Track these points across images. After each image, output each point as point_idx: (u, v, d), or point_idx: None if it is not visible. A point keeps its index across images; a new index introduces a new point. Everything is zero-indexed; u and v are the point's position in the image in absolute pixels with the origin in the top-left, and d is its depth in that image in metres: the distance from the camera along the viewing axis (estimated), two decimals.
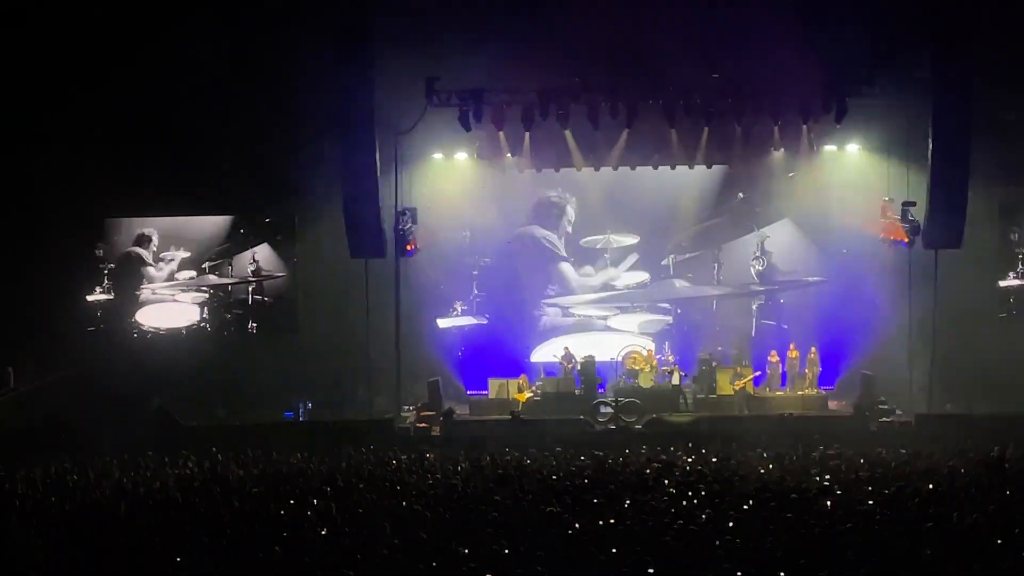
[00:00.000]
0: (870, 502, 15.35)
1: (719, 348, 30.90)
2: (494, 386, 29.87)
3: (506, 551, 12.89)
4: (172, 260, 31.33)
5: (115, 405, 26.82)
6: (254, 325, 31.54)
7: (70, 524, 14.99)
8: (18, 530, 14.56)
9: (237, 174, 30.23)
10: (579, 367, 29.97)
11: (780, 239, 31.94)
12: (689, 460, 20.49)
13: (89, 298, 31.11)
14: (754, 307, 32.16)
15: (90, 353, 30.25)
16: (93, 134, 29.21)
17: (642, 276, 32.40)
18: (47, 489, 18.04)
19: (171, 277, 31.30)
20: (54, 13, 28.44)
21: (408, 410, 29.45)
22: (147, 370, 29.41)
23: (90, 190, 29.73)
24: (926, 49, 27.34)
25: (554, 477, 18.21)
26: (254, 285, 31.43)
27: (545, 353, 31.74)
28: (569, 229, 32.38)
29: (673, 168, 31.56)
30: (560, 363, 30.37)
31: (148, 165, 29.45)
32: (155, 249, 31.33)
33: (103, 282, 31.21)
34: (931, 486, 16.33)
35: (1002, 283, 30.36)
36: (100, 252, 31.18)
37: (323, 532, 14.07)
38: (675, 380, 29.66)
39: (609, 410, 28.48)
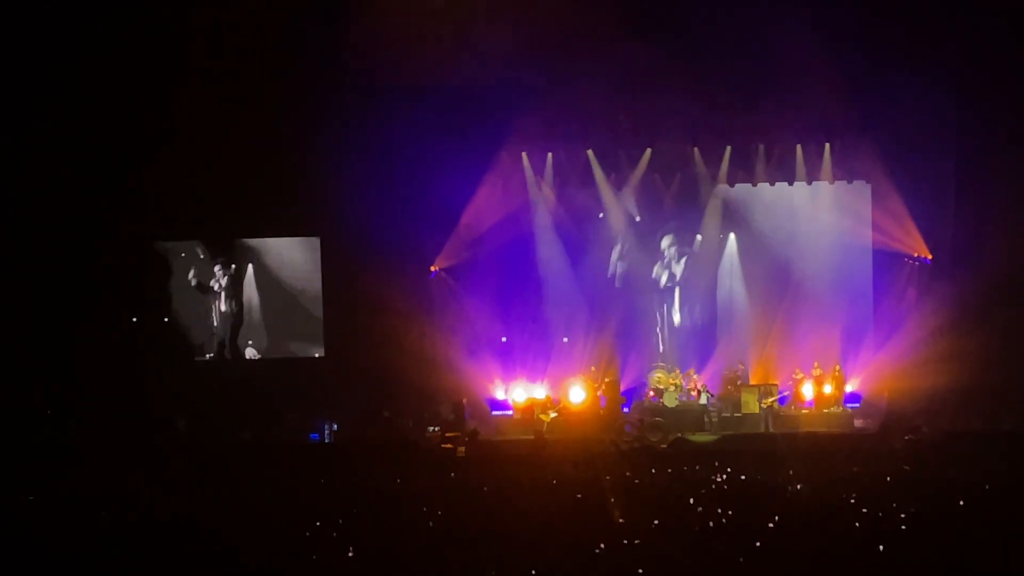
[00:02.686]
0: (902, 515, 15.31)
1: (742, 366, 30.83)
2: (518, 406, 29.86)
3: (532, 571, 12.89)
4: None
5: (141, 426, 26.99)
6: (280, 346, 31.68)
7: (94, 544, 15.03)
8: (39, 549, 14.65)
9: (258, 195, 30.36)
10: (603, 387, 29.95)
11: (804, 257, 31.83)
12: (715, 479, 20.44)
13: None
14: (778, 325, 32.02)
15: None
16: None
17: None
18: (70, 508, 18.12)
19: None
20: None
21: (433, 431, 29.46)
22: (177, 392, 29.57)
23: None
24: (949, 66, 27.47)
25: (579, 497, 18.20)
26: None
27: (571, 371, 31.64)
28: None
29: (696, 187, 31.69)
30: (587, 382, 30.32)
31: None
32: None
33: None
34: (960, 503, 16.28)
35: None
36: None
37: (350, 554, 14.09)
38: (701, 399, 29.65)
39: (633, 430, 28.42)
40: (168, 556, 14.25)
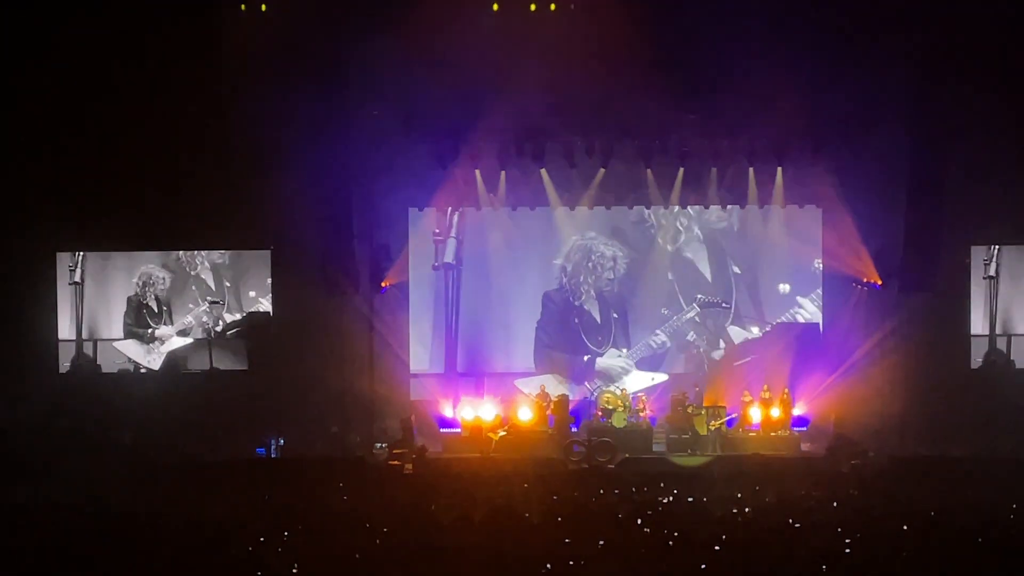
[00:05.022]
0: (847, 540, 15.35)
1: (697, 389, 30.80)
2: (467, 424, 29.71)
3: None
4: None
5: (84, 441, 26.73)
6: (228, 360, 31.43)
7: (34, 559, 14.87)
8: None
9: (208, 209, 30.15)
10: (552, 406, 29.90)
11: (751, 281, 31.94)
12: (662, 500, 20.46)
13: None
14: (726, 347, 32.10)
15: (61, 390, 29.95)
16: (64, 163, 29.30)
17: None
18: (11, 523, 17.94)
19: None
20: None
21: (380, 447, 29.34)
22: (118, 406, 29.24)
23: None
24: (902, 92, 27.80)
25: (526, 515, 18.15)
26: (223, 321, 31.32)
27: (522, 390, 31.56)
28: None
29: (648, 208, 31.73)
30: (535, 401, 30.27)
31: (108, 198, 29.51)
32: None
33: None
34: (905, 527, 16.35)
35: (974, 329, 30.36)
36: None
37: (294, 570, 13.99)
38: (645, 423, 29.64)
39: (582, 449, 28.41)
40: (109, 572, 14.12)
